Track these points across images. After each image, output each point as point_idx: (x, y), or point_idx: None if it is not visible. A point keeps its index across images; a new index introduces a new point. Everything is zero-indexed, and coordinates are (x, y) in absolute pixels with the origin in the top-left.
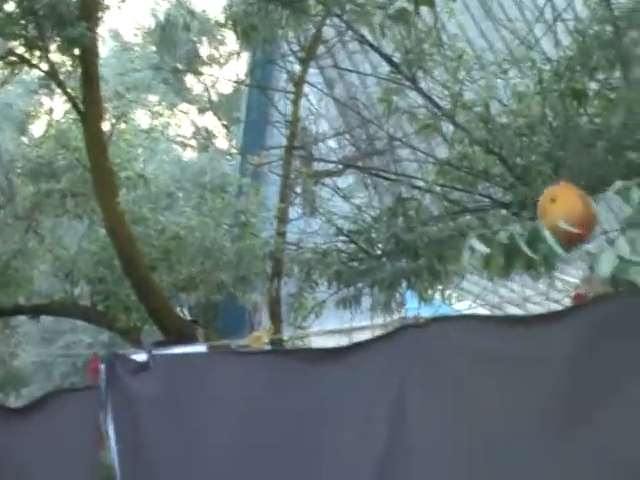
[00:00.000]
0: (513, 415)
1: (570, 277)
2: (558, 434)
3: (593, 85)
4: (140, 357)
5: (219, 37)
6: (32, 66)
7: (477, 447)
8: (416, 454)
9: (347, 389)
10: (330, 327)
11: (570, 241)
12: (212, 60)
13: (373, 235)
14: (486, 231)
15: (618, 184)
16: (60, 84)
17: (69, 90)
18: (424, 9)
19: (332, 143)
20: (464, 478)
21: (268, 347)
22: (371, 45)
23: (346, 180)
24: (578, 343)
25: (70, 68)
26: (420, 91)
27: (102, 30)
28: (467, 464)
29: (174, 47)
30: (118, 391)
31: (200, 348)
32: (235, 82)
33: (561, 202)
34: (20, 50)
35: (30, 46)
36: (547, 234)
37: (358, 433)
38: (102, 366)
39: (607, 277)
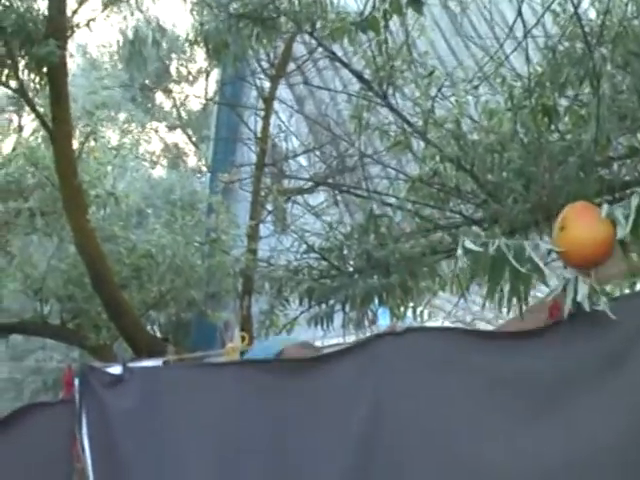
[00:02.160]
0: (491, 421)
1: (541, 293)
2: (533, 443)
3: (563, 101)
4: (114, 370)
5: (188, 54)
6: (1, 84)
7: (451, 453)
8: (393, 462)
9: (322, 397)
10: None
11: (586, 264)
12: (181, 77)
13: (345, 252)
14: (476, 239)
15: (606, 207)
16: (29, 102)
17: (38, 108)
18: (394, 26)
19: (303, 160)
20: None
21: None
22: (341, 62)
23: (317, 197)
24: (554, 358)
25: (39, 86)
26: (391, 108)
27: (71, 48)
28: (441, 472)
29: (143, 64)
30: (92, 404)
31: (158, 362)
32: (205, 99)
33: (570, 230)
34: None
35: None
36: (532, 253)
37: (334, 441)
38: (76, 379)
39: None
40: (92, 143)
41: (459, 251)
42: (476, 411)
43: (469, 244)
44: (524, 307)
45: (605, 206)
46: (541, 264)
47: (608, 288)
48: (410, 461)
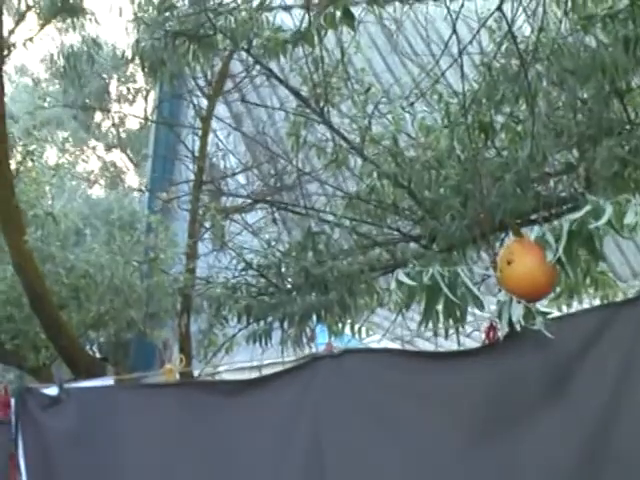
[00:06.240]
0: (428, 442)
1: (479, 311)
2: (470, 458)
3: (500, 118)
4: (51, 391)
5: (129, 73)
6: None
7: (393, 473)
8: None
9: (261, 420)
10: (241, 363)
11: (530, 298)
12: (121, 96)
13: (283, 269)
14: (411, 269)
15: (536, 230)
16: None
17: None
18: (330, 44)
19: (241, 178)
20: None
21: (178, 380)
22: (278, 79)
23: (255, 215)
24: (490, 377)
25: None
26: (328, 125)
27: (10, 67)
28: None
29: (78, 81)
30: (29, 425)
31: (108, 382)
32: (143, 118)
33: (518, 265)
34: None
35: None
36: (466, 279)
37: (272, 465)
38: (12, 400)
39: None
40: (30, 163)
41: (393, 285)
42: (410, 431)
43: (403, 277)
44: (461, 329)
45: (535, 228)
46: (476, 290)
47: (544, 308)
48: None
